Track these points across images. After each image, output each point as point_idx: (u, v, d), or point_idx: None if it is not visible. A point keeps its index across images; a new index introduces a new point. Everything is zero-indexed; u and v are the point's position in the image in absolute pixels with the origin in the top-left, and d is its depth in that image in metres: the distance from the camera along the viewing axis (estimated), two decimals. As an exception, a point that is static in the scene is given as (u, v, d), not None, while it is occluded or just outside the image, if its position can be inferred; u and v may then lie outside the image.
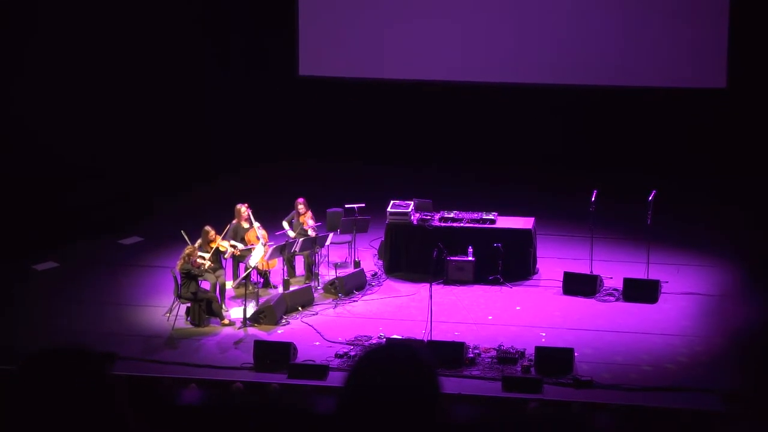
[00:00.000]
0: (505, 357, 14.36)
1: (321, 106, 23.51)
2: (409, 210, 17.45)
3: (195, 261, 15.63)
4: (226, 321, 15.76)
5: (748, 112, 21.82)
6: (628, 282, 16.53)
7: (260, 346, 14.56)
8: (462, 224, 17.26)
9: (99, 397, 3.04)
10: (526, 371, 14.07)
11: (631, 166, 21.56)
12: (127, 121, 21.74)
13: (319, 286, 17.01)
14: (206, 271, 15.96)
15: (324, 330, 15.45)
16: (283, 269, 17.07)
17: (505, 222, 17.44)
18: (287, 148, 23.10)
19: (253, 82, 23.62)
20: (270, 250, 16.40)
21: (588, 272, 16.91)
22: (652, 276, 16.72)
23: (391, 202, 17.68)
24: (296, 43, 23.21)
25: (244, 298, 15.94)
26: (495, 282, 16.93)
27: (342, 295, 16.60)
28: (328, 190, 20.28)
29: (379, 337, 15.14)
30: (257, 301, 16.17)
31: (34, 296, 16.80)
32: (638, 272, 16.89)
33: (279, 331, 15.51)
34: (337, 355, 14.51)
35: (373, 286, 17.15)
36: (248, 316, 15.72)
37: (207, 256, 16.20)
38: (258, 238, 16.69)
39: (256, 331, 15.49)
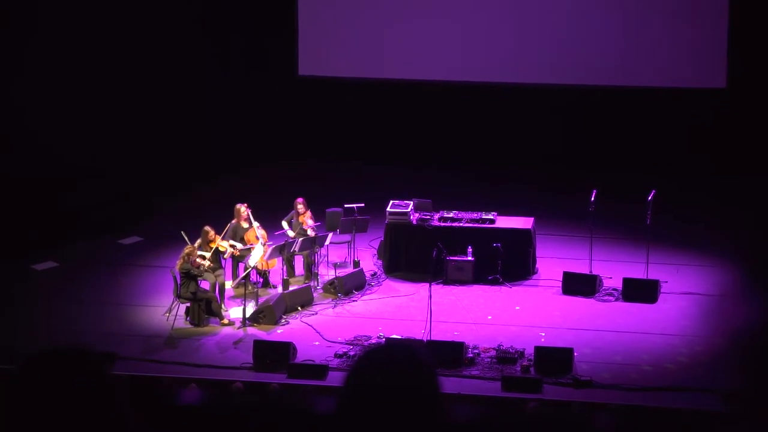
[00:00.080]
0: (505, 357, 14.36)
1: (321, 106, 23.51)
2: (409, 210, 17.45)
3: (194, 261, 15.63)
4: (225, 321, 15.76)
5: (747, 112, 21.82)
6: (627, 282, 16.53)
7: (260, 345, 14.56)
8: (461, 224, 17.26)
9: (99, 397, 3.05)
10: (526, 371, 14.07)
11: (631, 166, 21.56)
12: (127, 121, 21.74)
13: (318, 285, 17.01)
14: (206, 270, 15.96)
15: (323, 330, 15.46)
16: (282, 269, 17.07)
17: (504, 222, 17.44)
18: (287, 148, 23.10)
19: (253, 82, 23.62)
20: (269, 249, 16.41)
21: (587, 272, 16.91)
22: (652, 276, 16.72)
23: (391, 201, 17.68)
24: (296, 43, 23.21)
25: (244, 298, 15.94)
26: (494, 282, 16.94)
27: (341, 294, 16.61)
28: (328, 190, 20.28)
29: (378, 337, 15.14)
30: (257, 301, 16.17)
31: (34, 296, 16.80)
32: (638, 272, 16.89)
33: (278, 331, 15.52)
34: (337, 355, 14.51)
35: (372, 286, 17.15)
36: (248, 315, 15.72)
37: (207, 255, 16.20)
38: (257, 238, 16.69)
39: (255, 331, 15.50)
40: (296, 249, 16.71)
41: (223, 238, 16.65)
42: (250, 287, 16.51)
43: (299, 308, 16.18)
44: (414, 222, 17.41)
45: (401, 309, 16.27)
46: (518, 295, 16.69)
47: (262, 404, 13.37)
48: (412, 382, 3.02)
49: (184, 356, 14.74)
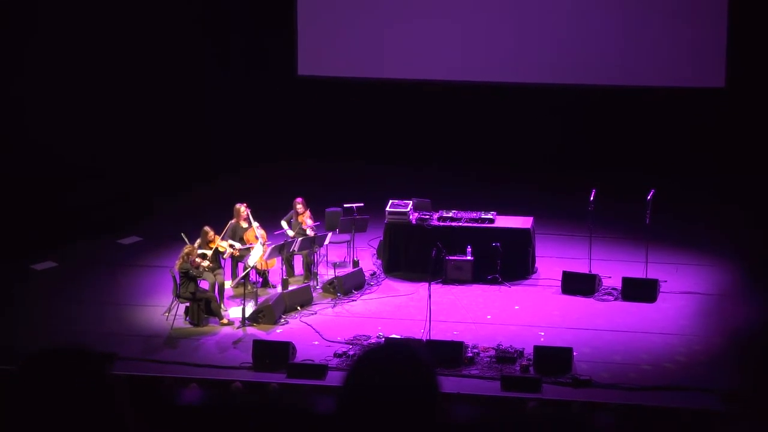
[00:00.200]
0: (504, 356, 14.37)
1: (320, 106, 23.50)
2: (408, 209, 17.45)
3: (193, 261, 15.63)
4: (224, 320, 15.77)
5: (746, 111, 21.82)
6: (626, 281, 16.54)
7: (259, 345, 14.57)
8: (461, 224, 17.26)
9: (99, 398, 3.05)
10: (525, 371, 14.08)
11: (630, 166, 21.56)
12: (127, 121, 21.73)
13: (317, 285, 17.02)
14: (205, 270, 15.95)
15: (323, 329, 15.46)
16: (281, 269, 17.08)
17: (503, 221, 17.44)
18: (287, 148, 23.09)
19: (253, 82, 23.62)
20: (269, 249, 16.41)
21: (587, 271, 16.92)
22: (651, 275, 16.73)
23: (390, 201, 17.68)
24: (295, 42, 23.20)
25: (243, 298, 15.94)
26: (494, 281, 16.94)
27: (341, 294, 16.61)
28: (327, 189, 20.27)
29: (377, 337, 15.15)
30: (256, 301, 16.17)
31: (34, 296, 16.80)
32: (637, 271, 16.90)
33: (278, 331, 15.52)
34: (336, 355, 14.52)
35: (371, 285, 17.15)
36: (247, 315, 15.72)
37: (209, 253, 16.20)
38: (257, 238, 16.70)
39: (254, 331, 15.50)
40: (295, 249, 16.71)
41: (222, 238, 16.65)
42: (249, 287, 16.51)
43: (298, 308, 16.18)
44: (413, 222, 17.41)
45: (400, 309, 16.27)
46: (517, 295, 16.69)
47: (262, 404, 13.37)
48: (412, 382, 3.03)
49: (183, 356, 14.74)
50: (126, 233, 19.27)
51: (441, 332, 15.10)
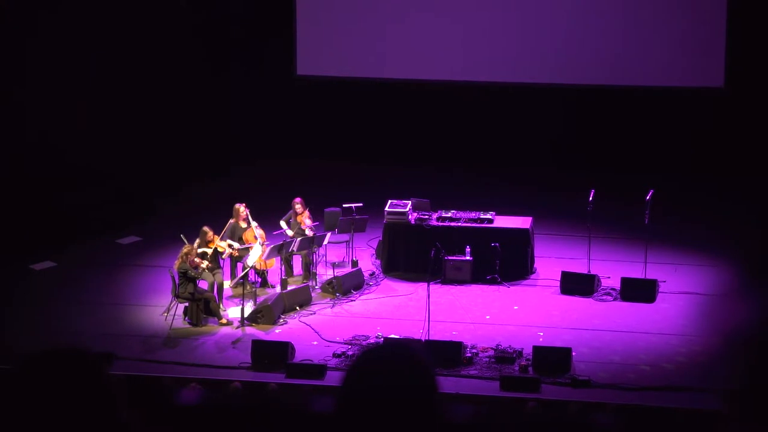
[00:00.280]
0: (503, 356, 14.37)
1: (320, 105, 23.50)
2: (407, 209, 17.45)
3: (192, 261, 15.63)
4: (223, 320, 15.77)
5: (745, 111, 21.83)
6: (625, 281, 16.54)
7: (258, 345, 14.57)
8: (460, 224, 17.26)
9: (97, 398, 3.05)
10: (524, 371, 14.08)
11: (630, 166, 21.56)
12: (127, 121, 21.74)
13: (316, 285, 17.02)
14: (204, 270, 15.95)
15: (322, 329, 15.46)
16: (280, 269, 17.08)
17: (502, 221, 17.44)
18: (286, 148, 23.09)
19: (252, 82, 23.61)
20: (268, 249, 16.41)
21: (586, 272, 16.92)
22: (650, 275, 16.73)
23: (389, 201, 17.68)
24: (294, 42, 23.20)
25: (242, 298, 15.94)
26: (492, 281, 16.94)
27: (340, 294, 16.61)
28: (327, 189, 20.27)
29: (376, 337, 15.15)
30: (255, 301, 16.18)
31: (33, 296, 16.80)
32: (636, 272, 16.90)
33: (277, 331, 15.52)
34: (335, 355, 14.52)
35: (370, 285, 17.15)
36: (246, 315, 15.72)
37: (209, 252, 16.20)
38: (256, 238, 16.70)
39: (253, 331, 15.50)
40: (294, 249, 16.71)
41: (221, 238, 16.65)
42: (248, 287, 16.51)
43: (297, 308, 16.18)
44: (412, 222, 17.41)
45: (399, 309, 16.27)
46: (516, 295, 16.69)
47: (261, 404, 13.37)
48: (411, 382, 3.02)
49: (182, 356, 14.74)
50: (125, 233, 19.25)
51: (440, 332, 15.11)
